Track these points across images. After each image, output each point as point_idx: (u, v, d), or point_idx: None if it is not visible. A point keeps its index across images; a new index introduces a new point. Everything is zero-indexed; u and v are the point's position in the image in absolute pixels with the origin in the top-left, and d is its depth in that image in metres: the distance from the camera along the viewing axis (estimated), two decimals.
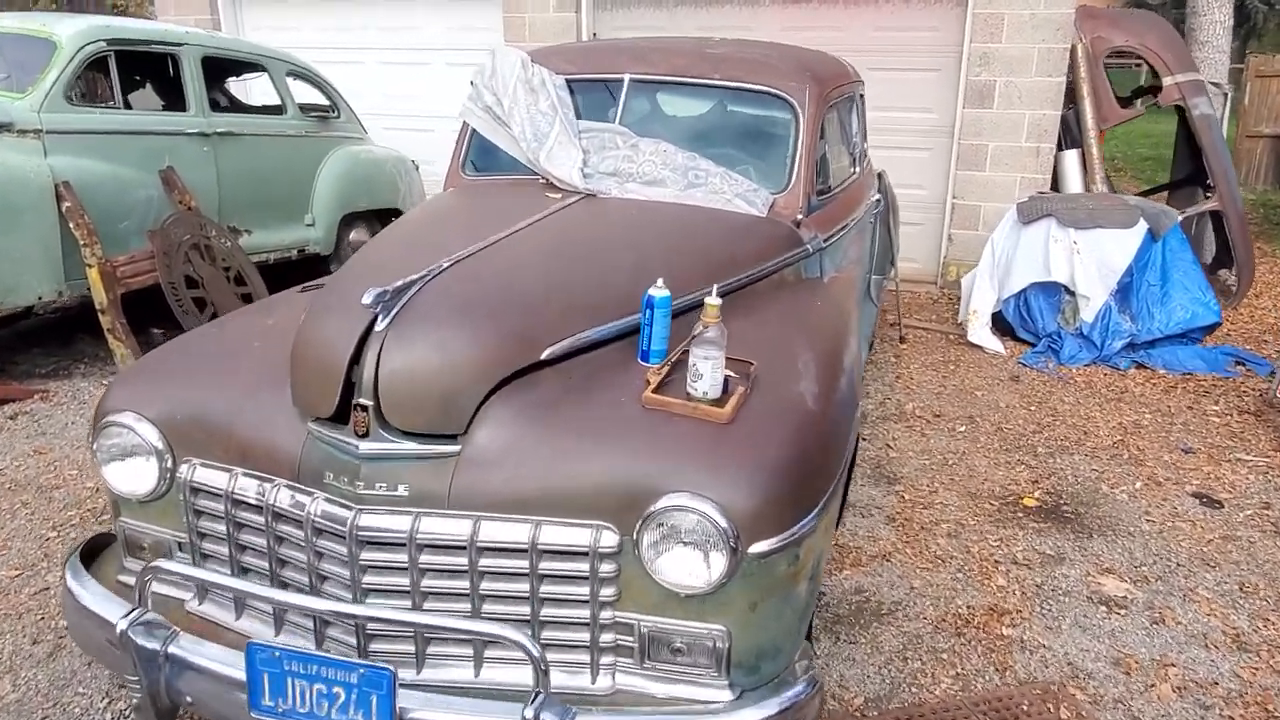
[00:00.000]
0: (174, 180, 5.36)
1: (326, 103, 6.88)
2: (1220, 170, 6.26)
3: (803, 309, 2.82)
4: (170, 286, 4.95)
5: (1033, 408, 4.88)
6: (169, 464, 2.15)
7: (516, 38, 7.60)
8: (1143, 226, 5.31)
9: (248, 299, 5.50)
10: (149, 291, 5.05)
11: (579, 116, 3.48)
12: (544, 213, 2.79)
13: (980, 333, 5.73)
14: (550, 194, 3.14)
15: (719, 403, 2.01)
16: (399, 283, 2.00)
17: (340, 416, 1.95)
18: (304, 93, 6.68)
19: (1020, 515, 3.74)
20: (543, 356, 2.06)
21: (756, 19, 7.14)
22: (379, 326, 1.93)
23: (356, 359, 1.93)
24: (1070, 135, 6.62)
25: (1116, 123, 6.50)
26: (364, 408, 1.89)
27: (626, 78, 3.48)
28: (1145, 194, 7.32)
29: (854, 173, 4.24)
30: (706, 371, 2.00)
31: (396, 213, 7.28)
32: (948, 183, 6.88)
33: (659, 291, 2.18)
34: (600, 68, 3.56)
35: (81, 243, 4.71)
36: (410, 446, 1.91)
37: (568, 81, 3.55)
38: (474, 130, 3.66)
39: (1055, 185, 6.61)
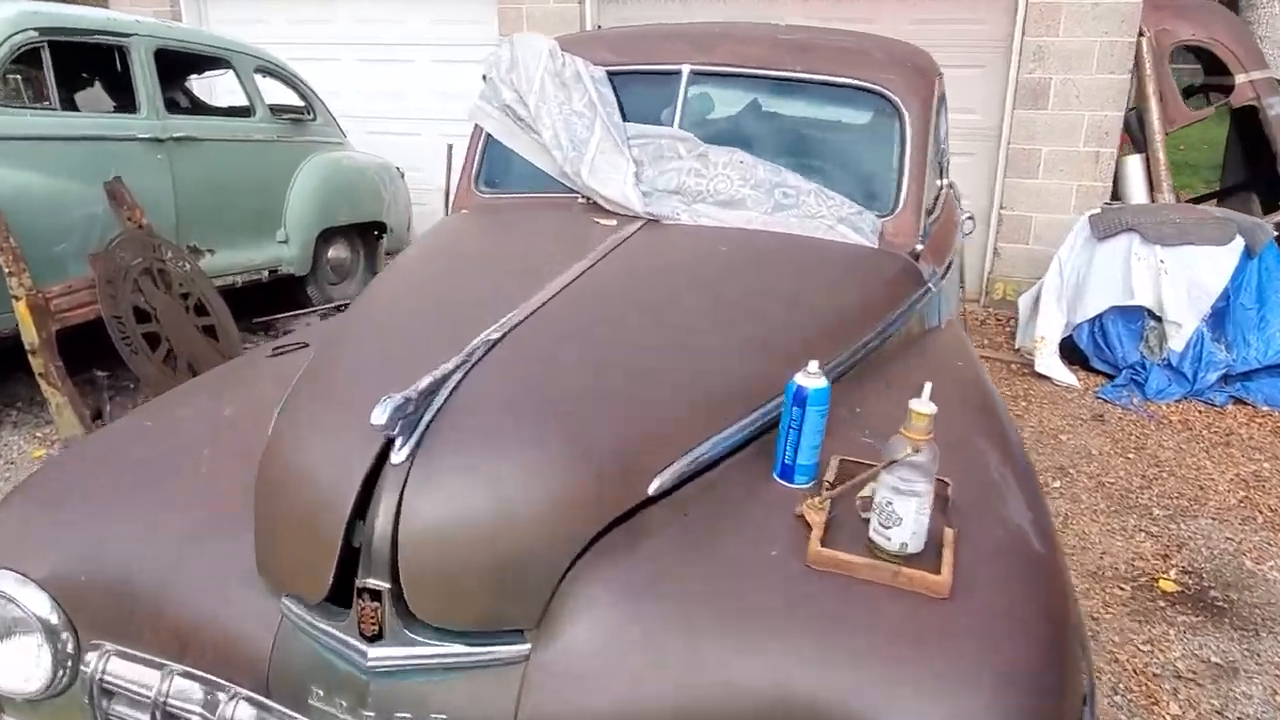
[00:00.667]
0: (122, 193, 4.57)
1: (300, 103, 6.10)
2: None
3: (949, 376, 2.12)
4: (116, 321, 4.16)
5: (1130, 455, 4.20)
6: (69, 648, 1.42)
7: (512, 30, 6.85)
8: (1239, 243, 4.67)
9: (210, 332, 4.72)
10: (93, 325, 4.26)
11: (624, 118, 2.75)
12: (599, 251, 2.07)
13: (1049, 362, 5.06)
14: (600, 220, 2.41)
15: (927, 562, 1.30)
16: (425, 381, 1.27)
17: (338, 598, 1.23)
18: (275, 92, 5.90)
19: (1162, 605, 3.05)
20: (650, 491, 1.35)
21: (776, 10, 6.44)
22: (396, 458, 1.21)
23: (361, 512, 1.21)
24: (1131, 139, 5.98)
25: (1184, 124, 5.86)
26: (375, 594, 1.16)
27: (685, 69, 2.76)
28: (1195, 202, 6.70)
29: (943, 185, 3.54)
30: (909, 515, 1.29)
31: (379, 226, 6.52)
32: (994, 191, 6.22)
33: (813, 380, 1.46)
34: (651, 57, 2.84)
35: (6, 271, 3.91)
36: (450, 651, 1.19)
37: (608, 74, 2.82)
38: (488, 136, 2.92)
39: (1115, 194, 5.97)
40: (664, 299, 1.86)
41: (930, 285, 2.49)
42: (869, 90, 2.69)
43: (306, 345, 2.21)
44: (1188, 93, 6.48)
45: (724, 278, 2.05)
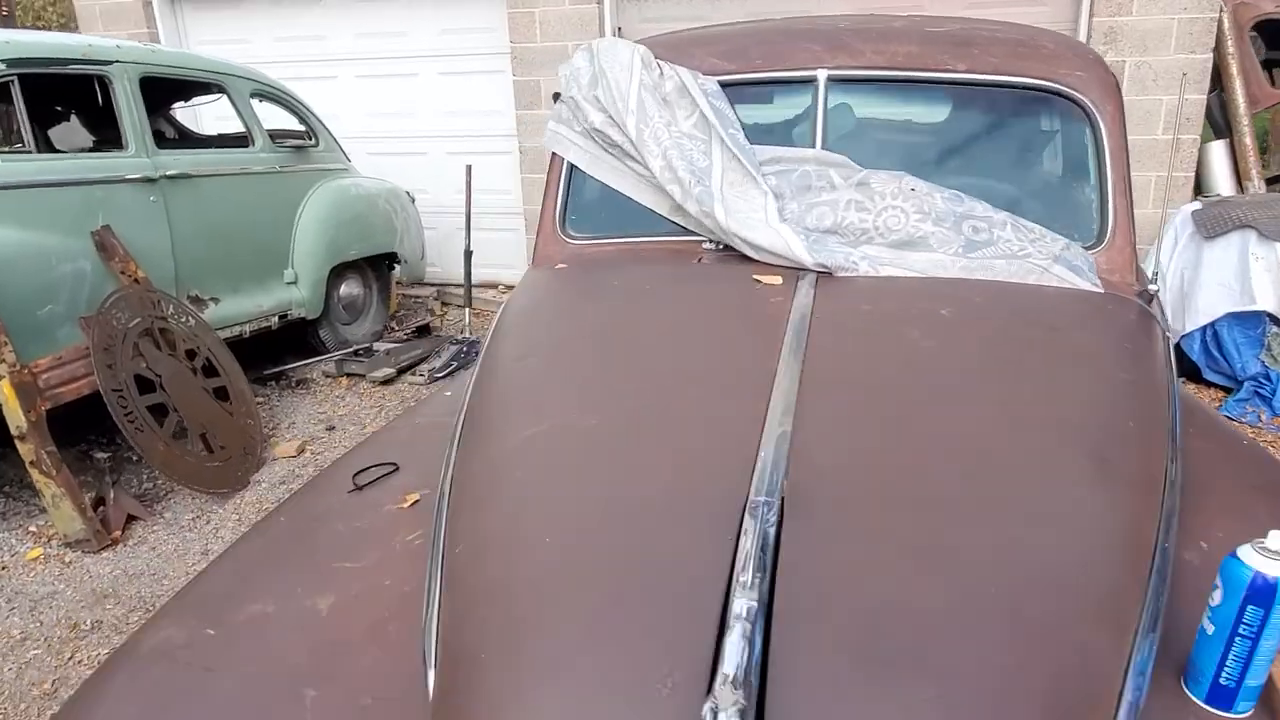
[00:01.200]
0: (112, 244, 4.00)
1: (301, 128, 5.54)
2: None
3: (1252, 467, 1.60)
4: (116, 395, 3.59)
5: None
6: None
7: (524, 37, 6.31)
8: None
9: (221, 394, 4.16)
10: (89, 398, 3.69)
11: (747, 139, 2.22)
12: (795, 333, 1.54)
13: None
14: (761, 278, 1.88)
15: None
16: (735, 653, 0.74)
17: None
18: (272, 117, 5.33)
19: None
20: None
21: (819, 4, 5.92)
22: None
23: None
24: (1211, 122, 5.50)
25: (1268, 105, 5.38)
26: None
27: (822, 75, 2.23)
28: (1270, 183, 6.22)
29: None
30: None
31: (391, 257, 5.96)
32: None
33: (1275, 564, 0.93)
34: (776, 62, 2.31)
35: None
36: None
37: (721, 85, 2.29)
38: (571, 168, 2.38)
39: (1199, 185, 5.48)
40: (940, 410, 1.32)
41: (1169, 335, 1.98)
42: (1054, 92, 2.17)
43: (395, 468, 1.67)
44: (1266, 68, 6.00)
45: (981, 364, 1.51)
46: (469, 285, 5.82)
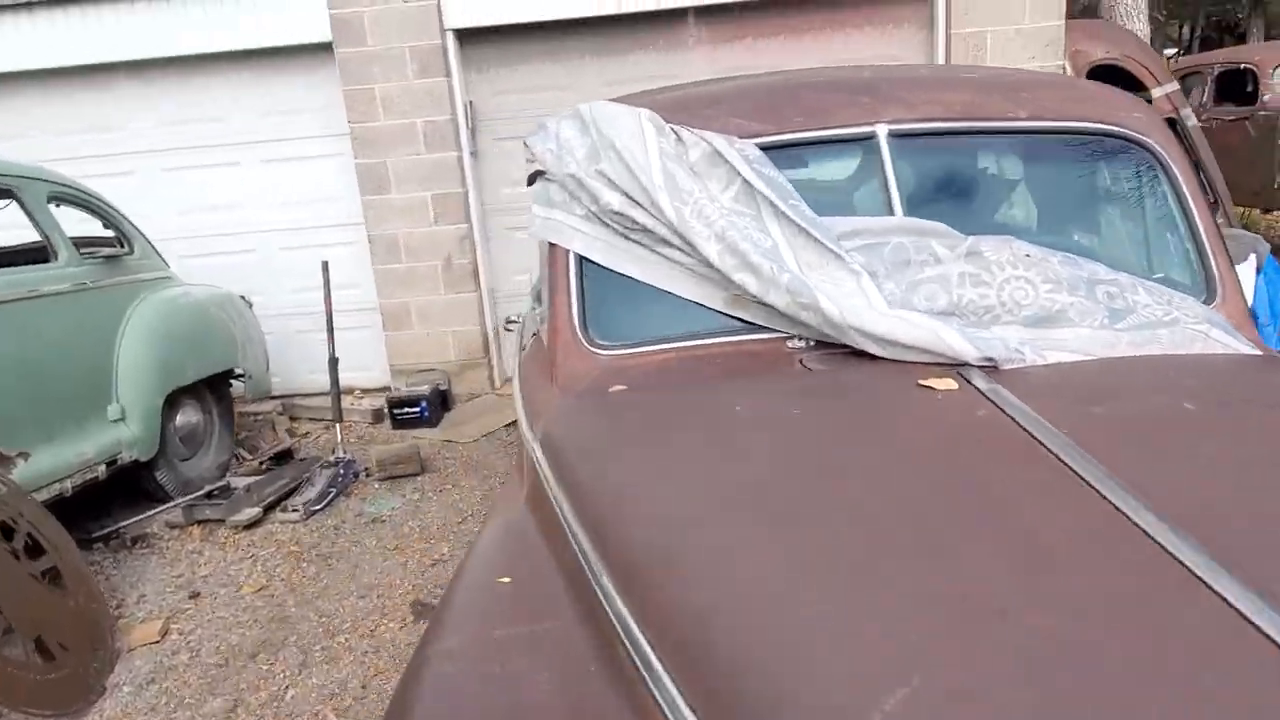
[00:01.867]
0: None
1: (111, 234, 4.65)
2: (1221, 187, 5.61)
3: None
4: None
5: None
6: None
7: (364, 116, 5.71)
8: (1253, 259, 4.41)
9: (53, 578, 3.24)
10: None
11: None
12: (1060, 450, 1.14)
13: None
14: (931, 383, 1.48)
15: None
16: None
17: None
18: (74, 223, 4.43)
19: None
20: None
21: (681, 64, 5.76)
22: None
23: None
24: None
25: None
26: None
27: (881, 131, 1.90)
28: None
29: None
30: None
31: (232, 374, 5.11)
32: None
33: None
34: (817, 119, 1.96)
35: None
36: None
37: (761, 149, 1.92)
38: (582, 262, 1.92)
39: None
40: None
41: None
42: (1119, 136, 1.95)
43: None
44: None
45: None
46: (337, 397, 5.06)
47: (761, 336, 1.80)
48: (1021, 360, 1.56)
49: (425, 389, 5.73)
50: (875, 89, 2.00)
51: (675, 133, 1.98)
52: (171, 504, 4.45)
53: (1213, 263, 1.89)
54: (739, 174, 1.88)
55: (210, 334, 4.90)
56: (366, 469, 4.96)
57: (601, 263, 1.95)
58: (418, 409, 5.66)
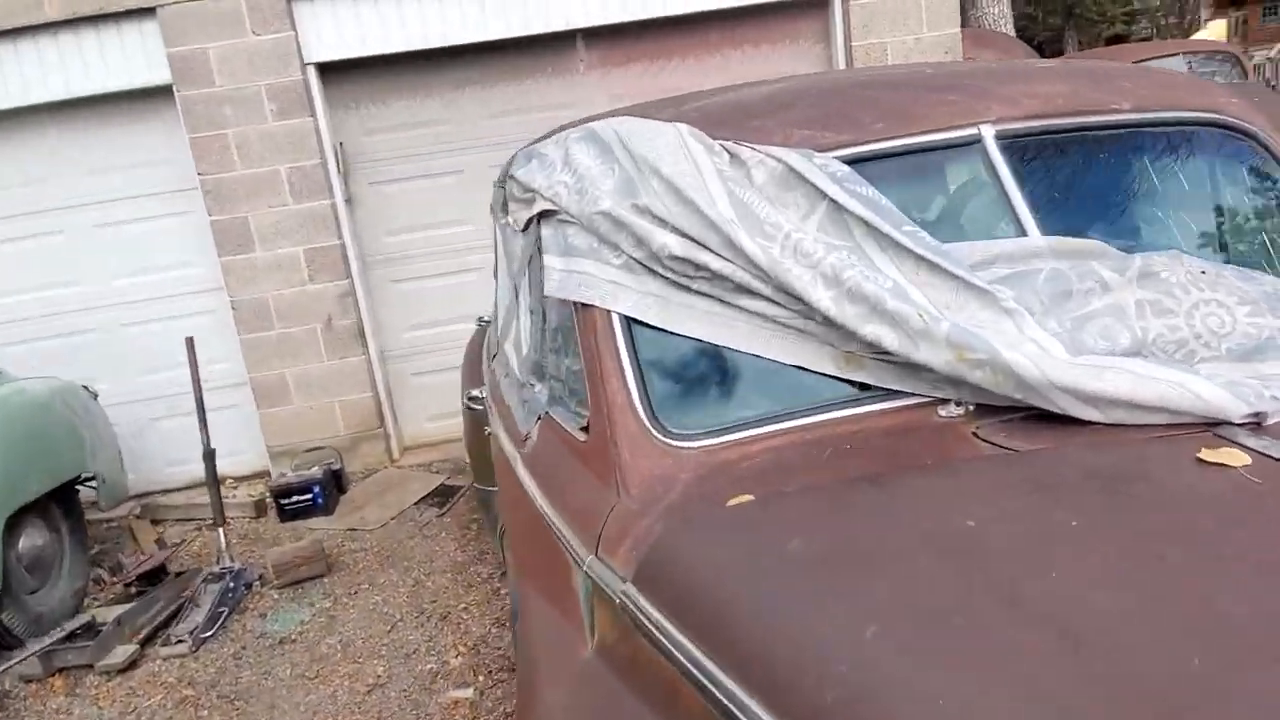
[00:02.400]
0: None
1: None
2: None
3: None
4: None
5: None
6: None
7: (217, 166, 4.97)
8: None
9: None
10: None
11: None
12: None
13: None
14: (1215, 457, 1.10)
15: None
16: None
17: None
18: None
19: None
20: None
21: (572, 90, 5.34)
22: None
23: None
24: None
25: None
26: None
27: (988, 132, 1.54)
28: None
29: None
30: None
31: (80, 482, 4.26)
32: None
33: None
34: (907, 124, 1.58)
35: None
36: None
37: (846, 163, 1.52)
38: (628, 324, 1.45)
39: None
40: None
41: None
42: (1223, 125, 1.67)
43: None
44: None
45: None
46: (217, 496, 4.28)
47: (895, 404, 1.39)
48: (1270, 408, 1.21)
49: (315, 471, 5.00)
50: (960, 85, 1.64)
51: (727, 150, 1.55)
52: (24, 652, 3.58)
53: None
54: (825, 196, 1.47)
55: (53, 436, 4.05)
56: (260, 576, 4.21)
57: (658, 325, 1.48)
58: (309, 495, 4.92)
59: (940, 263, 1.39)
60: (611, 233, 1.52)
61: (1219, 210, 1.71)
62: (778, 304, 1.43)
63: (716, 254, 1.44)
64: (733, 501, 1.23)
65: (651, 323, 1.48)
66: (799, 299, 1.40)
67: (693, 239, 1.45)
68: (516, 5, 5.05)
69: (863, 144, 1.55)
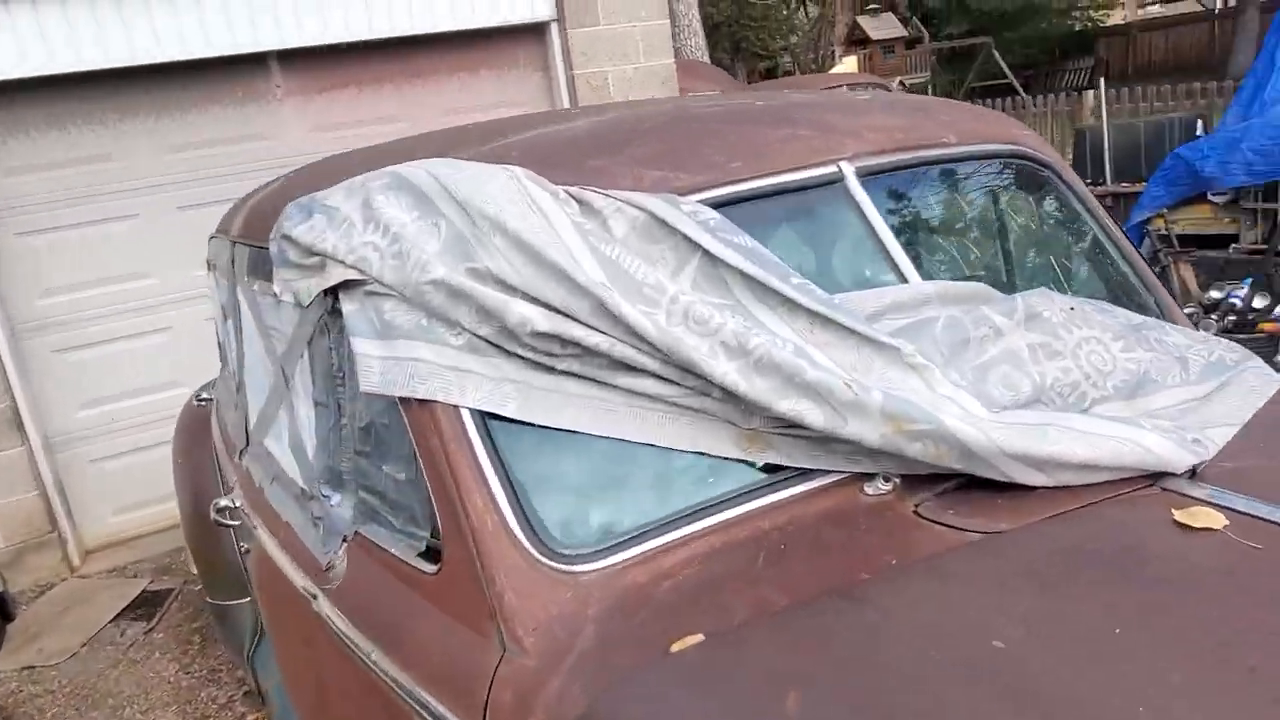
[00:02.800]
0: None
1: None
2: None
3: None
4: None
5: None
6: None
7: None
8: None
9: None
10: None
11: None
12: None
13: None
14: (1195, 521, 1.02)
15: None
16: None
17: None
18: None
19: None
20: None
21: (267, 119, 4.74)
22: None
23: None
24: None
25: None
26: None
27: (848, 170, 1.44)
28: None
29: None
30: None
31: None
32: None
33: None
34: (765, 161, 1.43)
35: None
36: None
37: (712, 205, 1.35)
38: (484, 424, 1.18)
39: None
40: None
41: None
42: (1026, 157, 1.73)
43: None
44: None
45: None
46: None
47: (813, 485, 1.20)
48: (1207, 454, 1.18)
49: None
50: (803, 119, 1.51)
51: (574, 198, 1.29)
52: None
53: (1153, 287, 1.72)
54: (698, 249, 1.26)
55: None
56: None
57: (522, 418, 1.18)
58: None
59: (836, 318, 1.24)
60: (448, 306, 1.19)
61: (1039, 239, 1.74)
62: (666, 380, 1.19)
63: (588, 325, 1.18)
64: (677, 646, 0.97)
65: (512, 416, 1.18)
66: (694, 373, 1.17)
67: (557, 309, 1.18)
68: (193, 24, 4.36)
69: (723, 186, 1.36)
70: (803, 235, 1.45)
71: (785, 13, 20.64)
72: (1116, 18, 22.56)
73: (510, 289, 1.19)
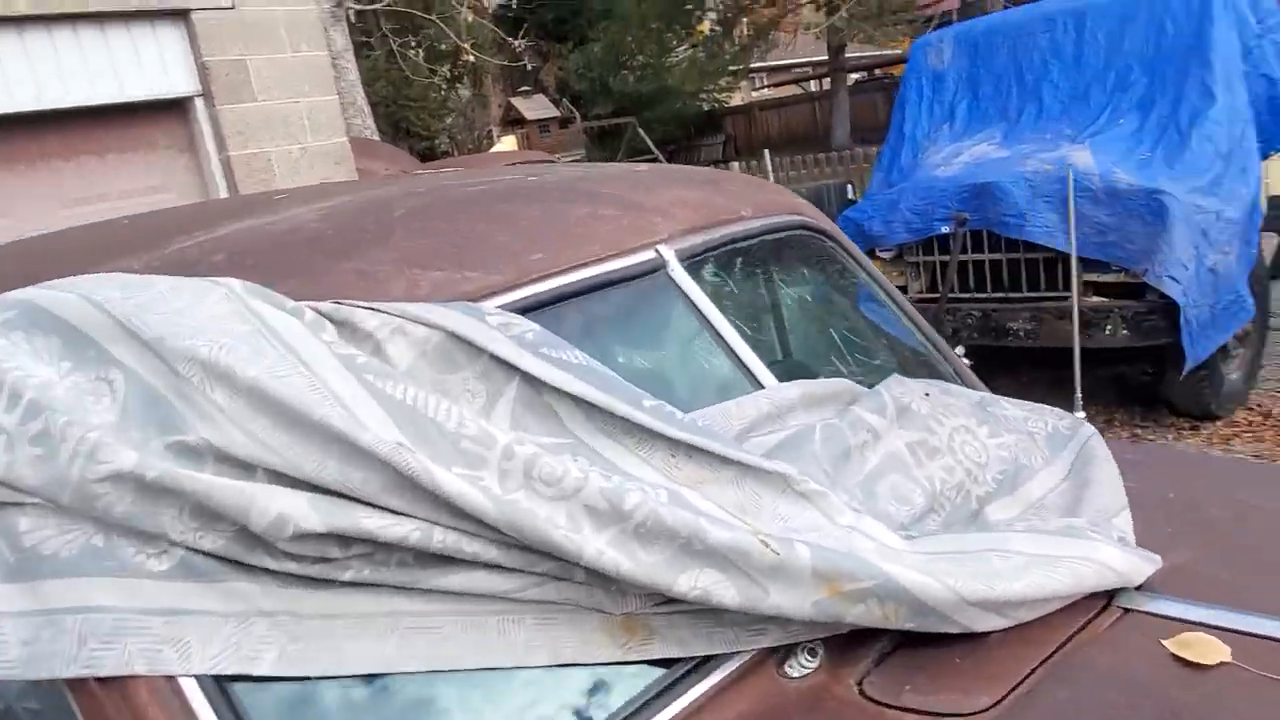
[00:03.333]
0: None
1: None
2: None
3: None
4: None
5: None
6: None
7: None
8: None
9: None
10: None
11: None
12: None
13: None
14: (1192, 654, 0.85)
15: None
16: None
17: None
18: None
19: None
20: None
21: None
22: None
23: None
24: None
25: None
26: None
27: (669, 254, 1.19)
28: None
29: None
30: None
31: None
32: None
33: None
34: (573, 249, 1.13)
35: None
36: None
37: (516, 310, 1.03)
38: (223, 694, 0.75)
39: None
40: None
41: None
42: (809, 228, 1.62)
43: None
44: None
45: None
46: None
47: (716, 680, 0.88)
48: (1158, 560, 1.01)
49: None
50: (597, 193, 1.22)
51: (328, 317, 0.89)
52: None
53: (949, 356, 1.64)
54: (516, 372, 0.91)
55: None
56: None
57: (286, 672, 0.74)
58: None
59: (706, 445, 0.95)
60: (141, 512, 0.73)
61: (842, 312, 1.60)
62: (506, 569, 0.82)
63: (383, 509, 0.78)
64: None
65: (273, 672, 0.74)
66: (549, 554, 0.81)
67: (333, 491, 0.76)
68: None
69: (526, 285, 1.03)
70: (628, 338, 1.15)
71: (443, 92, 20.65)
72: (737, 99, 25.34)
73: (250, 470, 0.76)
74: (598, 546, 0.81)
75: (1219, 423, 4.18)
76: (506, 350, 0.92)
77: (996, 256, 4.19)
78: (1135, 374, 4.65)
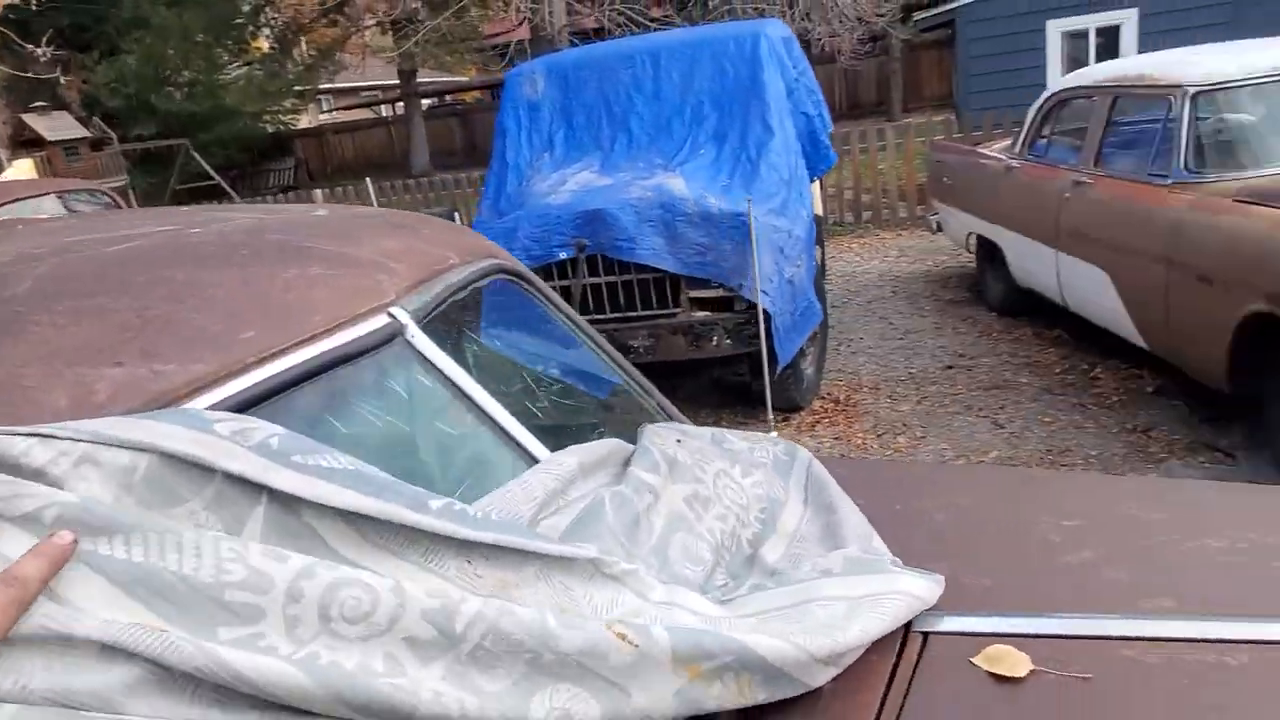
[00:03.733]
0: None
1: None
2: None
3: None
4: None
5: None
6: None
7: None
8: None
9: None
10: None
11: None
12: None
13: None
14: (996, 667, 0.90)
15: None
16: None
17: None
18: None
19: None
20: None
21: None
22: None
23: None
24: None
25: None
26: None
27: (404, 316, 1.06)
28: None
29: None
30: None
31: None
32: None
33: None
34: (294, 322, 0.94)
35: None
36: None
37: (232, 408, 0.84)
38: None
39: None
40: None
41: None
42: (505, 270, 1.56)
43: None
44: None
45: None
46: None
47: None
48: (940, 578, 1.04)
49: None
50: (303, 248, 0.99)
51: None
52: None
53: (646, 387, 1.64)
54: (263, 491, 0.69)
55: None
56: None
57: None
58: None
59: (508, 543, 0.80)
60: None
61: (552, 356, 1.50)
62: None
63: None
64: None
65: None
66: (351, 706, 0.61)
67: (54, 701, 0.50)
68: None
69: (241, 373, 0.79)
70: (371, 425, 0.94)
71: None
72: (306, 121, 23.98)
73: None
74: (432, 688, 0.64)
75: (803, 412, 4.82)
76: (248, 466, 0.69)
77: (613, 279, 4.40)
78: (728, 376, 5.21)
